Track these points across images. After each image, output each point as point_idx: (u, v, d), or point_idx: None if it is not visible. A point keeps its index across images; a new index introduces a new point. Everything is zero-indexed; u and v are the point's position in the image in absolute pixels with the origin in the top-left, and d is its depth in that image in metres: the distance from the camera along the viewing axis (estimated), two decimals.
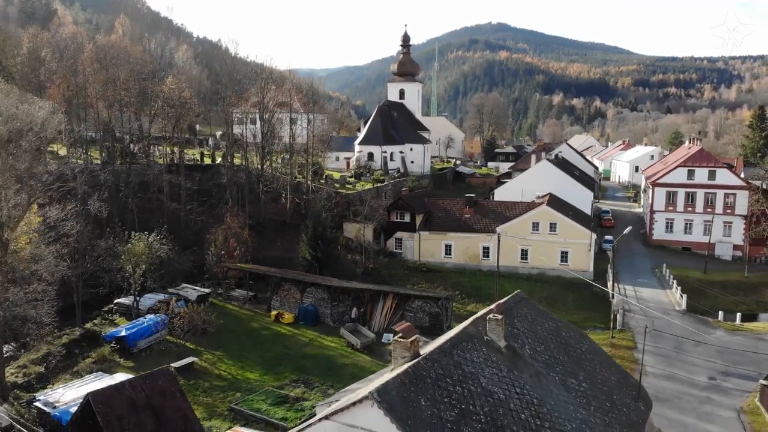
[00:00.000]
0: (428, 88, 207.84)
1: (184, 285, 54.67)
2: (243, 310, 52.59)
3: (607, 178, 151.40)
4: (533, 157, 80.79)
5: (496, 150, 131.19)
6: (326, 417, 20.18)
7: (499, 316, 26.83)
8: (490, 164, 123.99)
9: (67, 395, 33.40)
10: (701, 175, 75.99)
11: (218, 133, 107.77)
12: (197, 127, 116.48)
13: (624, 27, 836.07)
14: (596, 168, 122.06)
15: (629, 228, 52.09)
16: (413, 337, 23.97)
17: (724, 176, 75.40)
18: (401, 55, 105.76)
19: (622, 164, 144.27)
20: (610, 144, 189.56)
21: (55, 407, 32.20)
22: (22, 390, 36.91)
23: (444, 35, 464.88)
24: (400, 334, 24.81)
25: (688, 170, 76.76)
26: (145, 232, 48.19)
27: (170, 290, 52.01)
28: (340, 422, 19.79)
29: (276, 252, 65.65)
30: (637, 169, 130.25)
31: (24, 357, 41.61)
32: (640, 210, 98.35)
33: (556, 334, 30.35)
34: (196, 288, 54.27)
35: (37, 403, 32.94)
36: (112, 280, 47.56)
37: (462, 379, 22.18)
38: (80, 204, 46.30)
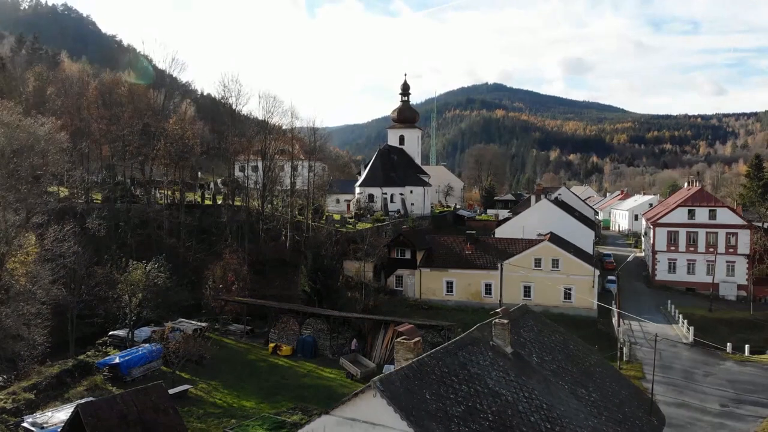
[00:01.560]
0: (426, 144, 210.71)
1: (181, 319, 53.56)
2: (240, 344, 51.37)
3: (607, 227, 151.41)
4: (533, 198, 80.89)
5: (495, 198, 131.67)
6: (326, 412, 19.27)
7: (505, 321, 26.10)
8: (490, 211, 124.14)
9: (55, 416, 32.12)
10: (702, 214, 75.95)
11: (219, 180, 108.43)
12: (199, 174, 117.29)
13: (617, 87, 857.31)
14: (596, 212, 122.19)
15: (632, 255, 51.49)
16: (417, 338, 23.19)
17: (724, 215, 75.36)
18: (401, 103, 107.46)
19: (621, 213, 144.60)
20: (608, 195, 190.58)
21: (43, 428, 30.91)
22: (10, 415, 35.52)
23: (441, 95, 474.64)
24: (404, 336, 24.09)
25: (689, 210, 76.78)
26: (143, 261, 47.56)
27: (166, 324, 50.94)
28: (341, 416, 18.87)
29: (274, 290, 64.67)
30: (636, 217, 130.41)
31: (15, 385, 40.29)
32: (642, 254, 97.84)
33: (563, 346, 29.45)
34: (192, 322, 53.16)
35: (24, 424, 31.63)
36: (107, 309, 46.58)
37: (468, 379, 21.30)
38: (78, 224, 45.79)
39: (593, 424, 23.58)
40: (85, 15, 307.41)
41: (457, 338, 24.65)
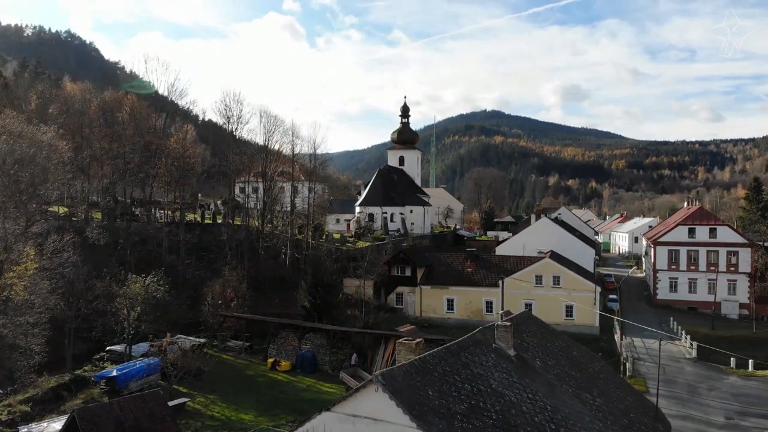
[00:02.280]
0: (426, 169, 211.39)
1: (179, 335, 53.08)
2: (238, 360, 50.82)
3: (607, 250, 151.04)
4: (533, 217, 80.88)
5: (495, 219, 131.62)
6: (327, 409, 18.92)
7: (508, 324, 25.85)
8: (490, 233, 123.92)
9: (51, 426, 31.64)
10: (702, 233, 75.85)
11: (219, 201, 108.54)
12: (199, 195, 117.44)
13: (614, 114, 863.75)
14: (596, 233, 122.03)
15: (634, 267, 51.27)
16: (418, 339, 22.92)
17: (725, 234, 75.29)
18: (401, 125, 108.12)
19: (621, 235, 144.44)
20: (608, 218, 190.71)
21: None
22: (5, 426, 34.98)
23: (440, 122, 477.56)
24: (406, 337, 23.83)
25: (689, 228, 76.71)
26: (142, 275, 47.29)
27: (164, 339, 50.42)
28: (342, 413, 18.54)
29: (274, 308, 64.10)
30: (636, 239, 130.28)
31: (10, 398, 39.77)
32: (643, 274, 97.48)
33: (567, 352, 29.14)
34: (191, 338, 52.68)
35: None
36: (105, 323, 46.14)
37: (470, 378, 21.02)
38: (78, 234, 45.60)
39: (599, 427, 23.19)
40: (88, 42, 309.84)
41: (459, 340, 24.37)
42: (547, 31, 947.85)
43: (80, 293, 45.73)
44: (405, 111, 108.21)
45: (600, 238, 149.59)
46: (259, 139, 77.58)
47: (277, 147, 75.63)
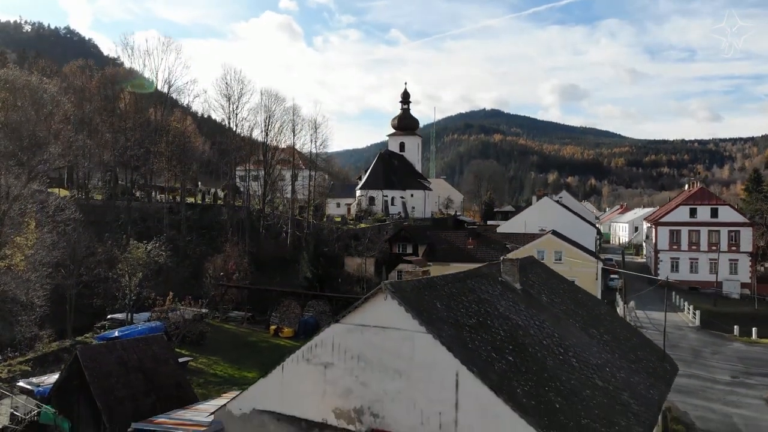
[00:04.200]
0: (426, 167, 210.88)
1: (181, 306, 52.88)
2: (241, 329, 50.62)
3: (607, 241, 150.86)
4: (534, 197, 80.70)
5: (495, 209, 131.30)
6: (336, 321, 18.78)
7: (514, 258, 25.73)
8: (490, 222, 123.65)
9: (51, 378, 31.33)
10: (704, 213, 75.77)
11: (220, 189, 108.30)
12: (199, 183, 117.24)
13: (613, 114, 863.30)
14: (597, 218, 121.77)
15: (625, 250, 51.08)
16: (426, 267, 22.79)
17: (726, 213, 75.21)
18: (401, 111, 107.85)
19: (621, 225, 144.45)
20: (608, 209, 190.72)
21: (38, 386, 30.16)
22: (4, 383, 34.71)
23: (440, 120, 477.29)
24: (412, 264, 23.68)
25: (690, 208, 76.63)
26: (144, 241, 47.14)
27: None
28: (350, 323, 18.38)
29: (275, 286, 64.08)
30: (636, 229, 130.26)
31: (10, 360, 39.56)
32: (644, 259, 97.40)
33: (572, 294, 29.04)
34: (193, 309, 52.47)
35: (20, 383, 30.90)
36: (107, 289, 45.98)
37: (477, 301, 20.90)
38: (82, 192, 45.34)
39: (606, 358, 23.06)
40: (87, 38, 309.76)
41: (464, 272, 24.23)
42: (546, 30, 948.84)
43: (81, 260, 45.60)
44: (405, 97, 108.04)
45: (600, 229, 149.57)
46: (260, 118, 77.03)
47: (277, 126, 75.19)
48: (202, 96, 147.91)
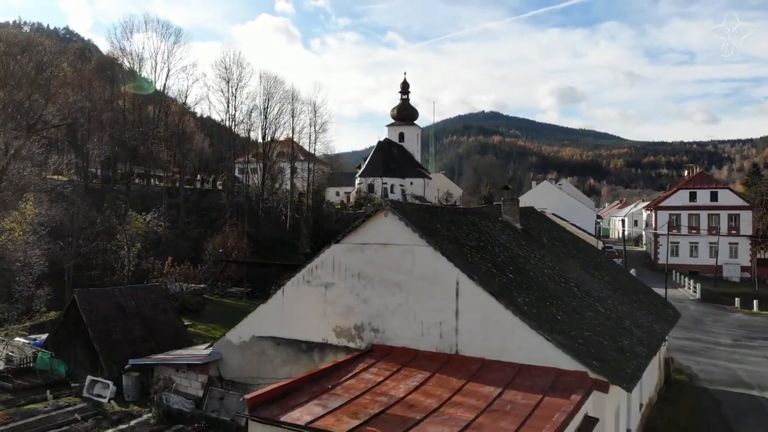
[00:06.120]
0: (426, 165, 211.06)
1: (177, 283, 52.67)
2: (240, 303, 50.39)
3: (607, 236, 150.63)
4: (534, 182, 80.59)
5: (495, 203, 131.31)
6: (336, 241, 18.63)
7: (514, 198, 25.62)
8: None
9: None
10: (703, 197, 75.64)
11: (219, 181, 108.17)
12: (198, 176, 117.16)
13: (611, 116, 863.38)
14: (598, 216, 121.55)
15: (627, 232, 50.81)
16: None
17: (726, 197, 75.07)
18: (400, 101, 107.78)
19: (620, 219, 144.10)
20: (607, 204, 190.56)
21: (35, 340, 30.01)
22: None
23: (439, 122, 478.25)
24: None
25: (690, 192, 76.50)
26: (143, 213, 46.94)
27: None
28: (351, 243, 18.24)
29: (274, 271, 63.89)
30: (636, 222, 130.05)
31: (7, 326, 39.33)
32: (644, 248, 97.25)
33: (574, 243, 28.89)
34: (192, 285, 52.25)
35: (17, 339, 30.71)
36: (105, 261, 45.72)
37: (478, 232, 20.73)
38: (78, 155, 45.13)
39: (607, 295, 22.92)
40: (86, 39, 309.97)
41: (465, 208, 24.10)
42: (546, 33, 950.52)
43: (79, 231, 45.36)
44: (405, 87, 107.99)
45: (600, 214, 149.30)
46: (258, 101, 76.80)
47: (276, 110, 75.02)
48: (201, 80, 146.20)
